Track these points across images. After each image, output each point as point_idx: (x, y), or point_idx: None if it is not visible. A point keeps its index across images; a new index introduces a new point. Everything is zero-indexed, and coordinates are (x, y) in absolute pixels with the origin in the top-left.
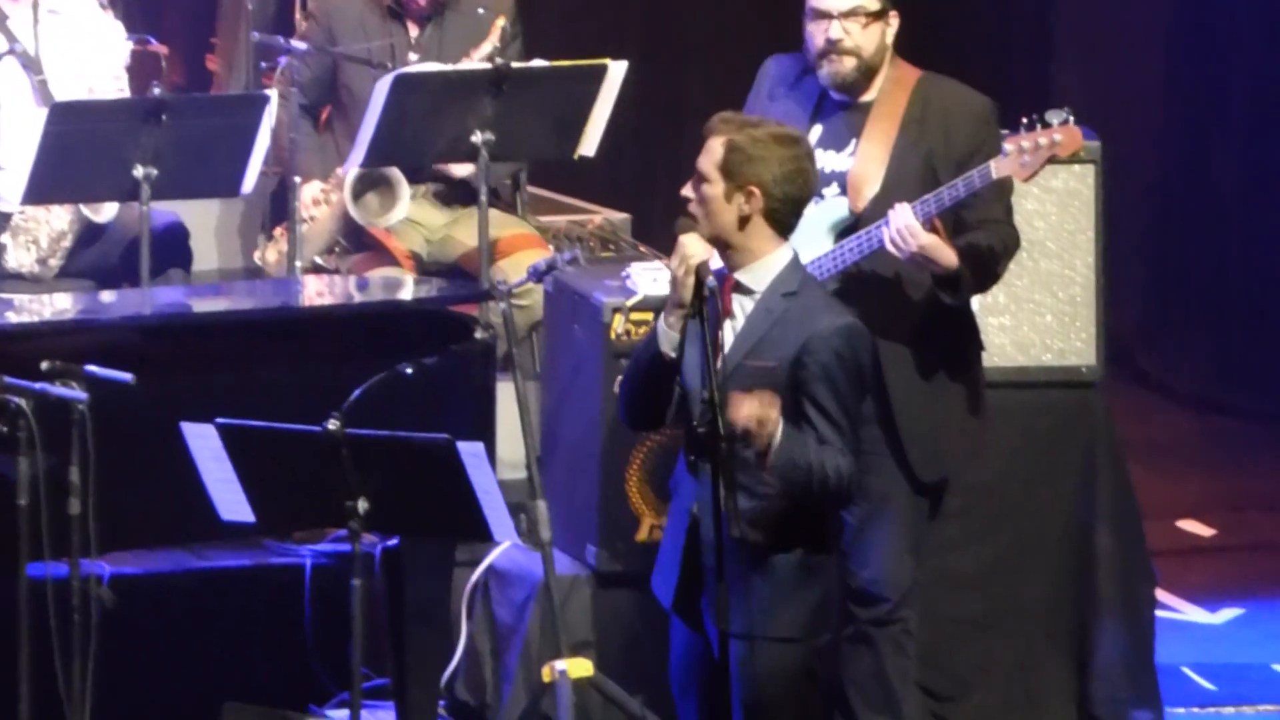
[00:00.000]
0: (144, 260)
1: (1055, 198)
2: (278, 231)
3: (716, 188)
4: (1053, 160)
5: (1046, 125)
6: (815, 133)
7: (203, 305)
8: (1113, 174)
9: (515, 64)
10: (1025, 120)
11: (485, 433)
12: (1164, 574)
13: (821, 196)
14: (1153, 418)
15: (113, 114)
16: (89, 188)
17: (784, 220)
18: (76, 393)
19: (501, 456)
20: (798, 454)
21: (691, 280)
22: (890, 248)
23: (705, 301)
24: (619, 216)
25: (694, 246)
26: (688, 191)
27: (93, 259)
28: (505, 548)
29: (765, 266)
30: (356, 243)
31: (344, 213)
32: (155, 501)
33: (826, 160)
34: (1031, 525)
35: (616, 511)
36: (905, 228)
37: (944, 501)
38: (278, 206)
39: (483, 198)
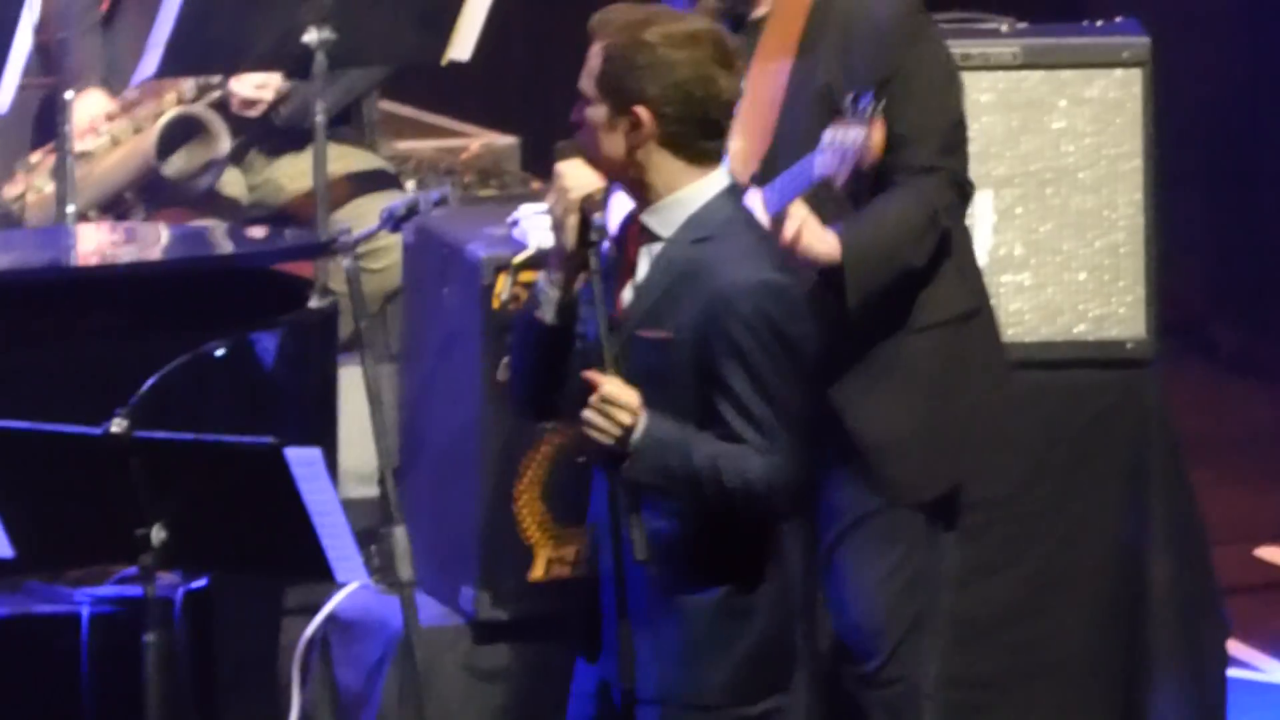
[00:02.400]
0: None
1: (1090, 112)
2: (37, 158)
3: (598, 111)
4: (860, 166)
5: (859, 113)
6: None
7: None
8: (1168, 79)
9: None
10: (848, 99)
11: (324, 435)
12: (1239, 618)
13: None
14: (1225, 408)
15: None
16: None
17: (691, 145)
18: None
19: (346, 466)
20: (672, 457)
21: (575, 220)
22: None
23: (594, 248)
24: (503, 141)
25: (577, 177)
26: (577, 116)
27: None
28: (351, 590)
29: (677, 205)
30: (155, 197)
31: (144, 161)
32: None
33: None
34: (1063, 553)
35: (503, 540)
36: None
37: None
38: (43, 131)
39: (318, 118)
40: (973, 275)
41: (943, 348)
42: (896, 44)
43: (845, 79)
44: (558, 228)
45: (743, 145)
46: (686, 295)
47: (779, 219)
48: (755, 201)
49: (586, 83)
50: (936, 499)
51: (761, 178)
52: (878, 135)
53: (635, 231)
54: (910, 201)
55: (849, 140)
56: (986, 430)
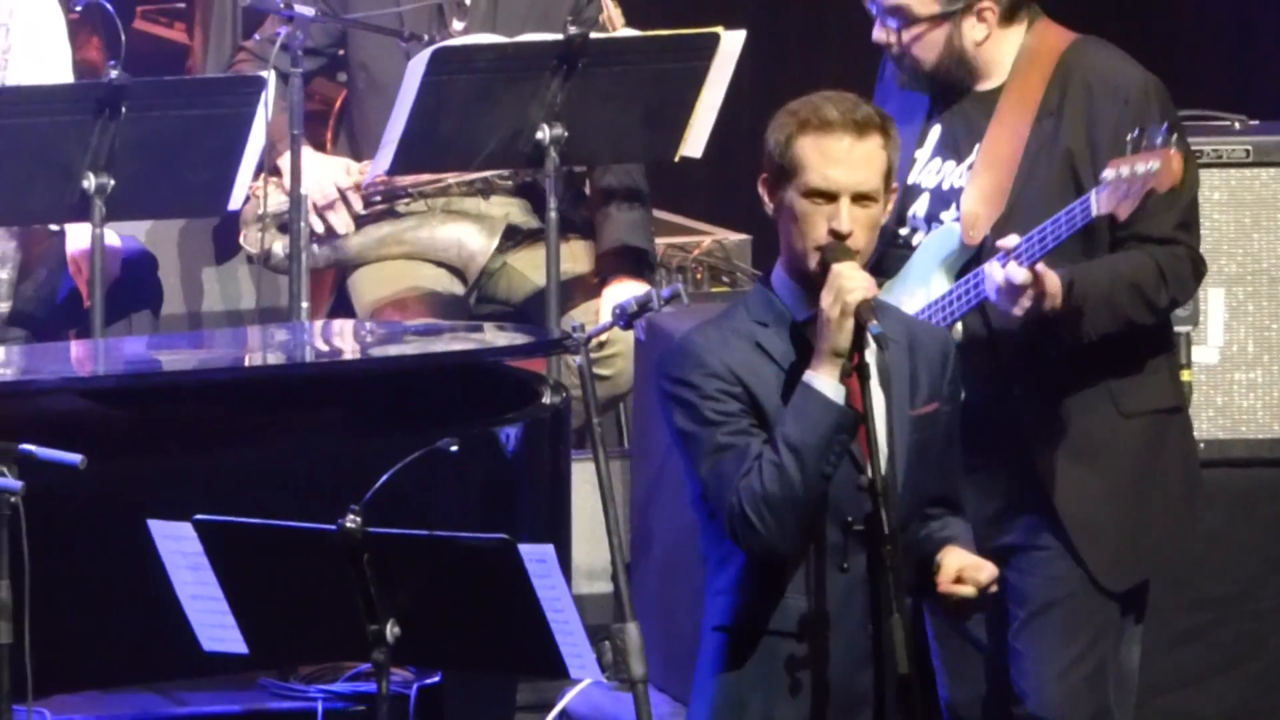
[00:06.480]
0: (98, 301)
1: None
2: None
3: (880, 202)
4: (1149, 197)
5: (1149, 146)
6: (932, 135)
7: (176, 361)
8: None
9: (595, 34)
10: (1130, 136)
11: (556, 531)
12: None
13: (938, 222)
14: None
15: (54, 103)
16: (22, 205)
17: None
18: (7, 480)
19: (578, 563)
20: None
21: (851, 324)
22: (998, 301)
23: (861, 352)
24: (735, 238)
25: (854, 279)
26: (845, 224)
27: (29, 301)
28: (584, 686)
29: None
30: None
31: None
32: (113, 626)
33: (946, 174)
34: None
35: None
36: (1008, 283)
37: (1166, 619)
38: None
39: (551, 213)
40: (1179, 378)
41: (1150, 436)
42: (1146, 115)
43: (1090, 147)
44: (831, 327)
45: (976, 209)
46: (924, 361)
47: (1034, 271)
48: (1004, 268)
49: (874, 180)
50: (1129, 590)
51: (996, 240)
52: (1176, 163)
53: None
54: (1143, 261)
55: (1139, 171)
56: (1184, 528)
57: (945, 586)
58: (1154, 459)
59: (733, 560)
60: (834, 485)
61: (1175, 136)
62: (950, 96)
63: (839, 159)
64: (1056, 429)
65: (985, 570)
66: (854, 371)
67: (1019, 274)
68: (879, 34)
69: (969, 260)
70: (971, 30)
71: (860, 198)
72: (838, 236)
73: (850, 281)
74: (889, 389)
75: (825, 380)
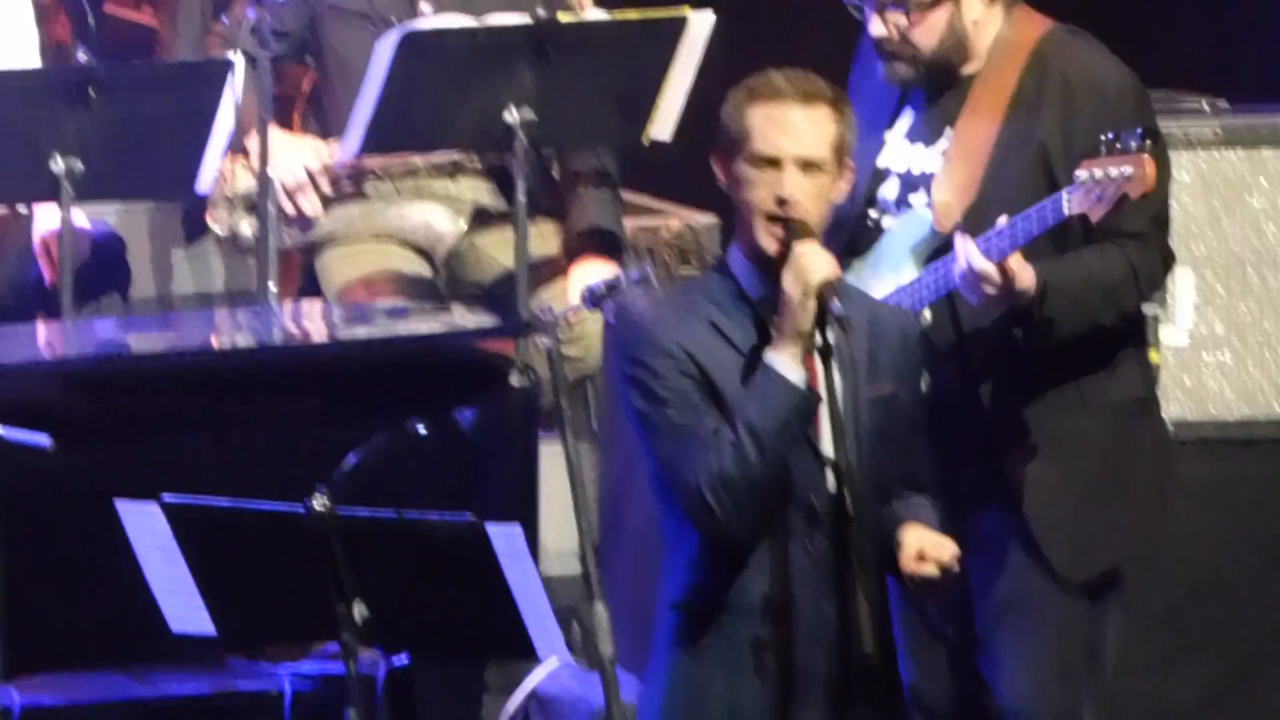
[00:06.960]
0: (66, 283)
1: None
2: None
3: (830, 174)
4: (1122, 202)
5: (1124, 149)
6: (904, 119)
7: (145, 343)
8: None
9: (563, 16)
10: (1105, 138)
11: (525, 512)
12: None
13: (908, 205)
14: None
15: (23, 88)
16: None
17: None
18: None
19: (546, 544)
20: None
21: (813, 305)
22: (962, 289)
23: (824, 332)
24: (703, 220)
25: (816, 260)
26: (787, 188)
27: None
28: (552, 667)
29: None
30: None
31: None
32: (81, 607)
33: (915, 158)
34: (1268, 635)
35: None
36: (970, 271)
37: (1138, 602)
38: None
39: (520, 197)
40: (1147, 366)
41: (1117, 429)
42: (1123, 115)
43: (1065, 142)
44: (794, 309)
45: (948, 199)
46: (883, 342)
47: (1003, 265)
48: (973, 251)
49: (823, 150)
50: (1098, 583)
51: (968, 230)
52: (1150, 169)
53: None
54: (1115, 258)
55: (1112, 175)
56: (1152, 519)
57: (908, 565)
58: (1121, 451)
59: (690, 538)
60: (796, 466)
61: (1149, 142)
62: (934, 86)
63: (784, 126)
64: (1021, 423)
65: (947, 549)
66: (815, 352)
67: (985, 266)
68: (877, 28)
69: (939, 247)
70: (970, 8)
71: (806, 166)
72: (781, 203)
73: (812, 262)
74: (848, 370)
75: (786, 362)
